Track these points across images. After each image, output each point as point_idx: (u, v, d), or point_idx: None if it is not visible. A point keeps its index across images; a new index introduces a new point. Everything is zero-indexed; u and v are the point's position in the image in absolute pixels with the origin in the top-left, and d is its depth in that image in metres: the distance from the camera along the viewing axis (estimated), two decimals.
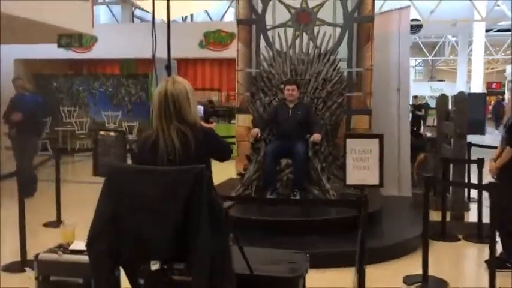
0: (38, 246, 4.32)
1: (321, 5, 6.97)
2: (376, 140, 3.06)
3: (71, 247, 2.51)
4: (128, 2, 14.94)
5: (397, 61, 6.89)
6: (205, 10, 19.34)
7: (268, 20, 7.18)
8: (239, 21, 7.32)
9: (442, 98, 7.09)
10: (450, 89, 24.65)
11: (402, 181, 6.93)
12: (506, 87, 24.32)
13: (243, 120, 7.30)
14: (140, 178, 2.09)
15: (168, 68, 2.89)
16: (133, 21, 15.43)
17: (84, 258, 2.45)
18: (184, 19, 18.36)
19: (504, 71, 31.12)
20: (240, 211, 5.02)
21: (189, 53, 12.61)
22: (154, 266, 2.09)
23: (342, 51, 6.82)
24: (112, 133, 4.21)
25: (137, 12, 15.97)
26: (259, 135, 5.66)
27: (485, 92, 25.90)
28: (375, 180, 3.26)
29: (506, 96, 17.83)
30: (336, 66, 6.31)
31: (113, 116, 13.12)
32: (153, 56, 3.44)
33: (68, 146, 13.31)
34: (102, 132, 4.11)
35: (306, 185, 5.51)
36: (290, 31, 6.89)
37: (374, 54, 6.83)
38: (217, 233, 2.01)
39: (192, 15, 18.80)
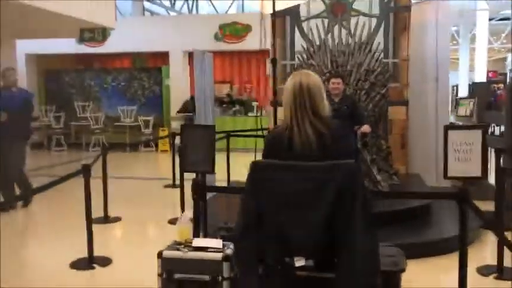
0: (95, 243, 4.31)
1: None
2: (479, 132, 3.04)
3: (194, 244, 2.48)
4: None
5: (435, 51, 6.86)
6: (211, 3, 19.20)
7: (303, 12, 7.13)
8: (273, 13, 7.24)
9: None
10: (454, 78, 24.68)
11: (439, 171, 6.93)
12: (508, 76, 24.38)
13: (280, 113, 7.25)
14: (286, 173, 2.05)
15: (274, 61, 2.81)
16: (143, 15, 15.25)
17: (210, 255, 2.43)
18: (190, 10, 18.23)
19: (502, 59, 31.23)
20: None
21: (204, 45, 12.49)
22: (298, 262, 2.06)
23: (378, 42, 6.78)
24: (199, 128, 4.15)
25: (147, 5, 15.80)
26: None
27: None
28: (477, 172, 3.23)
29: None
30: (379, 57, 6.27)
31: (128, 111, 13.01)
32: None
33: (82, 141, 13.19)
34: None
35: None
36: (325, 22, 6.86)
37: (411, 45, 6.81)
38: (368, 230, 1.99)
39: (197, 8, 18.64)
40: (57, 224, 5.90)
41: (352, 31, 6.58)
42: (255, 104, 12.78)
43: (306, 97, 2.23)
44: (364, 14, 6.89)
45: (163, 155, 12.41)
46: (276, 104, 7.37)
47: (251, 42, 12.30)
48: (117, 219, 5.86)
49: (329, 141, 2.18)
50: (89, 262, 4.23)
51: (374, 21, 6.84)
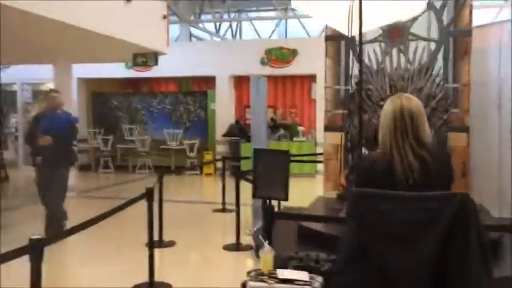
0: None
1: (414, 20, 6.79)
2: None
3: (279, 275, 2.36)
4: (185, 21, 15.04)
5: (497, 76, 6.60)
6: (254, 27, 19.38)
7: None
8: (328, 37, 7.19)
9: None
10: None
11: (503, 203, 6.60)
12: None
13: (331, 138, 7.12)
14: (393, 203, 1.92)
15: (359, 83, 2.72)
16: (190, 40, 15.49)
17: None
18: (234, 35, 18.43)
19: None
20: None
21: (250, 69, 12.56)
22: None
23: (437, 67, 6.60)
24: (274, 153, 4.08)
25: (194, 31, 16.07)
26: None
27: None
28: None
29: None
30: (440, 82, 6.08)
31: (174, 134, 13.12)
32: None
33: (128, 164, 13.35)
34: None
35: None
36: (382, 46, 6.74)
37: (472, 69, 6.59)
38: (485, 264, 1.82)
39: (241, 33, 18.85)
40: (111, 249, 5.86)
41: (411, 56, 6.44)
42: (300, 128, 12.67)
43: (408, 122, 2.10)
44: (423, 39, 6.74)
45: (208, 179, 12.41)
46: (327, 128, 7.29)
47: (297, 67, 12.31)
48: (171, 243, 5.80)
49: (433, 170, 2.05)
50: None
51: (433, 45, 6.67)
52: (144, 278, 4.25)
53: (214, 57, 12.60)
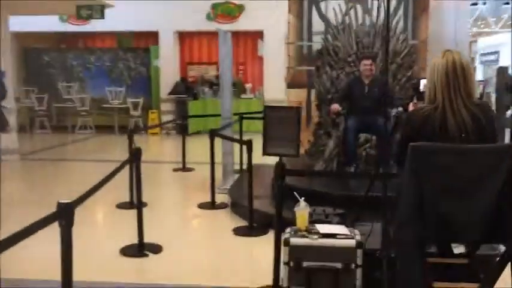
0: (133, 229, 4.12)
1: None
2: None
3: (321, 231, 2.37)
4: None
5: (454, 35, 6.88)
6: None
7: None
8: None
9: None
10: None
11: None
12: None
13: (294, 96, 7.17)
14: (452, 157, 1.97)
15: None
16: None
17: (342, 242, 2.33)
18: None
19: None
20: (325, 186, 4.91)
21: (195, 25, 12.21)
22: (457, 249, 1.99)
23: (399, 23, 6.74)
24: (283, 109, 3.99)
25: None
26: (339, 110, 5.54)
27: None
28: None
29: None
30: (404, 38, 6.23)
31: (116, 92, 12.58)
32: None
33: (67, 124, 12.70)
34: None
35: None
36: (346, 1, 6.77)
37: (429, 26, 6.81)
38: None
39: None
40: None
41: (373, 12, 6.52)
42: (248, 85, 12.59)
43: (461, 77, 2.13)
44: None
45: (154, 138, 12.11)
46: (290, 85, 7.31)
47: (244, 23, 12.10)
48: (143, 204, 5.63)
49: (484, 124, 2.11)
50: (139, 249, 4.04)
51: (393, 2, 6.79)
52: (131, 240, 4.14)
53: (157, 12, 12.05)
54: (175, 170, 7.75)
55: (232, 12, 12.11)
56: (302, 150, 7.04)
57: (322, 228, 2.39)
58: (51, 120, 12.82)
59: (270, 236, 4.49)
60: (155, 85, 12.78)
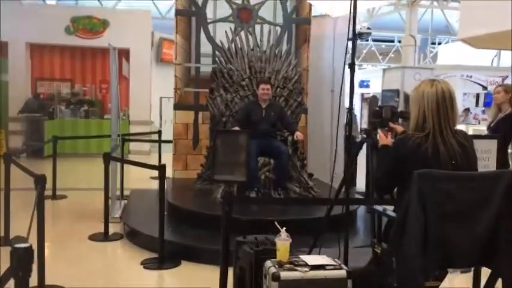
0: None
1: (262, 3, 7.05)
2: (495, 141, 3.37)
3: (308, 262, 2.23)
4: None
5: (331, 63, 7.36)
6: None
7: (209, 14, 6.97)
8: (178, 12, 6.93)
9: None
10: None
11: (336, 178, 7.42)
12: None
13: (181, 118, 6.94)
14: (453, 184, 2.03)
15: (352, 66, 2.65)
16: None
17: (332, 273, 2.25)
18: None
19: None
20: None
21: (52, 38, 11.23)
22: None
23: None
24: (232, 133, 3.64)
25: None
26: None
27: None
28: None
29: None
30: (295, 65, 6.47)
31: None
32: None
33: None
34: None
35: (287, 184, 5.56)
36: (233, 27, 6.84)
37: (310, 55, 7.19)
38: None
39: None
40: None
41: (259, 38, 6.67)
42: None
43: (449, 106, 2.22)
44: (270, 23, 7.06)
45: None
46: (177, 107, 7.05)
47: (108, 39, 11.42)
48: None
49: (469, 150, 2.24)
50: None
51: (278, 30, 7.05)
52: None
53: (6, 20, 10.76)
54: (46, 197, 6.89)
55: (95, 27, 11.40)
56: (185, 174, 6.91)
57: (307, 259, 2.29)
58: None
59: (186, 267, 4.23)
60: (3, 102, 11.35)
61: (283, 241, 2.32)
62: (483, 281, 2.94)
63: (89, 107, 11.97)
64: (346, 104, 8.61)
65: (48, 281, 3.59)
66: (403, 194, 2.15)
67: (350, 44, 2.70)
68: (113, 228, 5.20)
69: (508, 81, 14.00)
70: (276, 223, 2.36)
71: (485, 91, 13.75)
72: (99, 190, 5.91)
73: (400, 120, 2.78)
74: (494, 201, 2.05)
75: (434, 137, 2.20)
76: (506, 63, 18.98)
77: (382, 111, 2.68)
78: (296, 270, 2.22)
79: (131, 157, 9.21)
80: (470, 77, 14.21)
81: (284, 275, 2.19)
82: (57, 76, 12.88)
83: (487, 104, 12.70)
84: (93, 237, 5.02)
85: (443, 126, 2.21)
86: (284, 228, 2.34)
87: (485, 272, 3.04)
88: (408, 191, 2.04)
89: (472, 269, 2.96)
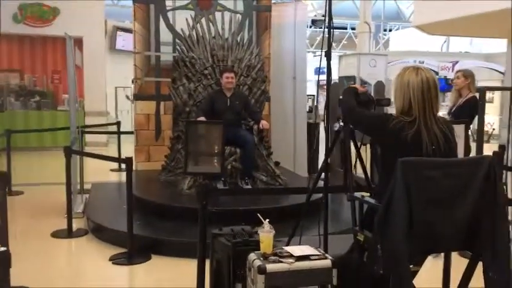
0: None
1: None
2: (463, 126, 3.44)
3: (293, 253, 2.21)
4: None
5: (292, 51, 7.36)
6: None
7: (168, 1, 6.80)
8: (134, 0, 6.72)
9: None
10: None
11: (298, 162, 7.47)
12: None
13: (142, 108, 6.78)
14: (437, 171, 2.06)
15: (328, 55, 2.60)
16: None
17: (318, 263, 2.25)
18: None
19: None
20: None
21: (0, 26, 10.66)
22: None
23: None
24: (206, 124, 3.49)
25: None
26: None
27: None
28: None
29: None
30: (258, 53, 6.42)
31: None
32: None
33: None
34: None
35: (254, 173, 5.54)
36: (193, 14, 6.71)
37: (272, 43, 7.16)
38: (503, 218, 2.15)
39: None
40: None
41: (220, 26, 6.58)
42: (66, 96, 11.47)
43: (434, 95, 2.25)
44: (230, 10, 6.96)
45: None
46: (137, 97, 6.86)
47: (59, 28, 10.97)
48: None
49: (450, 137, 2.28)
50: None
51: (239, 17, 6.97)
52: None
53: None
54: None
55: (44, 15, 10.92)
56: (148, 166, 6.77)
57: (291, 250, 2.28)
58: None
59: (156, 261, 4.14)
60: None
61: (266, 233, 2.30)
62: (453, 265, 3.08)
63: (41, 98, 11.53)
64: (308, 92, 8.69)
65: (12, 282, 3.43)
66: (385, 182, 2.17)
67: (326, 32, 2.68)
68: (76, 224, 5.04)
69: (458, 67, 14.53)
70: (258, 215, 2.33)
71: (437, 76, 14.17)
72: (57, 185, 5.74)
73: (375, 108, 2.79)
74: (475, 186, 2.09)
75: (419, 125, 2.22)
76: (455, 48, 19.67)
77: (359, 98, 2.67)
78: (282, 262, 2.20)
79: (88, 149, 8.93)
80: (423, 62, 14.59)
81: (270, 267, 2.17)
82: (5, 66, 12.32)
83: (441, 89, 13.07)
84: (56, 234, 4.84)
85: (428, 114, 2.24)
86: (267, 220, 2.31)
87: (455, 257, 3.15)
88: (392, 179, 2.05)
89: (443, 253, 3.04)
